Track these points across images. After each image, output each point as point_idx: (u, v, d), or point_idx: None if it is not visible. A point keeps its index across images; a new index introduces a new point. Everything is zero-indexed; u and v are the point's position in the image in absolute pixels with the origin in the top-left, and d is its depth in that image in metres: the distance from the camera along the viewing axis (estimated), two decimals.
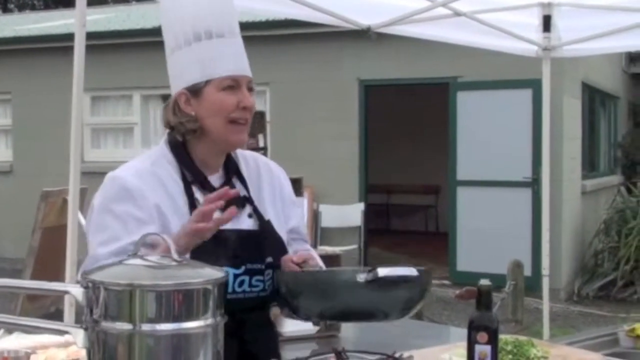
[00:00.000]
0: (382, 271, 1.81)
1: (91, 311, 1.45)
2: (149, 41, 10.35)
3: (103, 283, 1.43)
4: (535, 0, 4.78)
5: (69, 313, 3.42)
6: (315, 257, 2.14)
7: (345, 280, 1.84)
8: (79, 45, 3.30)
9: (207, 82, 2.00)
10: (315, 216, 9.53)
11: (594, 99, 11.21)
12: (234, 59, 2.02)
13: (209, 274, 1.49)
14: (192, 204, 1.99)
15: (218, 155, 2.09)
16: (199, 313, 1.44)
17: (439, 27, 4.74)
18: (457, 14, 4.61)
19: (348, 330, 2.88)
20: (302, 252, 2.13)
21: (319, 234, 9.47)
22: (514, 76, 8.73)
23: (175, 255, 1.48)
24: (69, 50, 3.51)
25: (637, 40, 5.03)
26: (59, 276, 6.74)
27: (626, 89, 13.68)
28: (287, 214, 2.21)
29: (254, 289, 2.04)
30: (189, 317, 1.42)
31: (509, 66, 8.09)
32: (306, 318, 2.01)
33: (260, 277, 2.05)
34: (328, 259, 7.76)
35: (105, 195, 1.98)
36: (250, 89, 2.05)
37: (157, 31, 10.54)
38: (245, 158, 2.20)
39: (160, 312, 1.41)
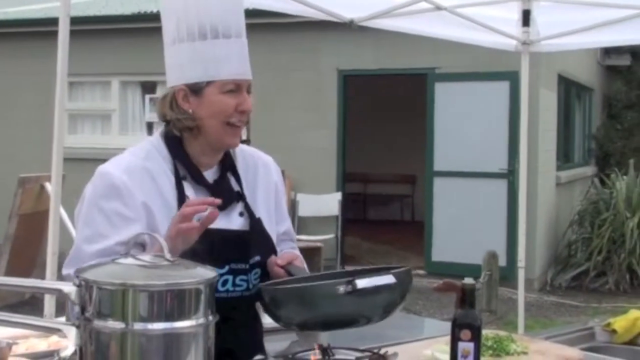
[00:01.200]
0: (361, 282, 1.83)
1: (83, 309, 1.46)
2: (128, 27, 10.28)
3: (96, 282, 1.44)
4: None
5: (49, 304, 3.41)
6: (299, 257, 2.16)
7: (325, 293, 1.85)
8: (64, 32, 3.28)
9: (209, 82, 1.98)
10: (292, 205, 9.54)
11: (570, 91, 11.30)
12: (237, 62, 2.01)
13: (200, 274, 1.51)
14: (182, 199, 1.99)
15: (212, 154, 2.09)
16: (191, 313, 1.46)
17: (420, 20, 4.78)
18: (438, 8, 4.65)
19: None
20: (286, 253, 2.15)
21: (297, 223, 9.48)
22: (491, 68, 8.78)
23: (167, 255, 1.50)
24: (49, 34, 3.48)
25: (615, 36, 5.07)
26: (34, 263, 6.74)
27: (601, 81, 13.80)
28: (279, 218, 2.22)
29: (237, 288, 2.05)
30: (181, 316, 1.44)
31: (486, 58, 8.14)
32: (287, 327, 2.02)
33: (245, 277, 2.06)
34: (308, 251, 7.80)
35: (94, 191, 1.98)
36: (249, 91, 2.04)
37: (136, 18, 10.40)
38: (245, 155, 2.19)
39: (152, 311, 1.42)
